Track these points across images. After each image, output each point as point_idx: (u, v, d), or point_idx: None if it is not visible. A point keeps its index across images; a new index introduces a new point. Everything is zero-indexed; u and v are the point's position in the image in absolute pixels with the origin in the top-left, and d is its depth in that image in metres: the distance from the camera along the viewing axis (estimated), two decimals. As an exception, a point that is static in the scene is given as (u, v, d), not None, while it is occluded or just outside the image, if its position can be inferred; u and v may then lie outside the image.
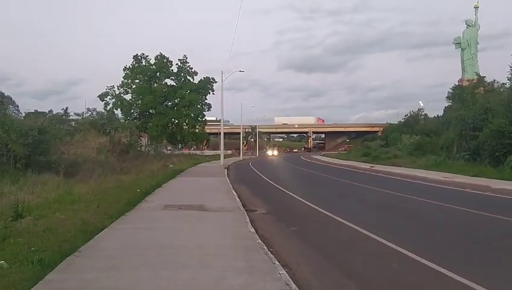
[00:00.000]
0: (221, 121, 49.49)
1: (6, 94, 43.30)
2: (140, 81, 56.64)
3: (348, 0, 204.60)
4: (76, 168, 21.39)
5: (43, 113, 44.90)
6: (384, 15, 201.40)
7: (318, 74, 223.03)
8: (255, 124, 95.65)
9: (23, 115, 35.43)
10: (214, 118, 70.40)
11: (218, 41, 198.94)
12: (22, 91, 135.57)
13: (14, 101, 43.77)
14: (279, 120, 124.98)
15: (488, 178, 21.58)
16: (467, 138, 30.14)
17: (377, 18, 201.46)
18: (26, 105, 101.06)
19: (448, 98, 53.91)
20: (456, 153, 31.09)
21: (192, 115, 56.95)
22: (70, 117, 46.92)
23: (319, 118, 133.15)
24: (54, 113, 50.17)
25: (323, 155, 76.57)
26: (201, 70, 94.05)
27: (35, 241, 7.31)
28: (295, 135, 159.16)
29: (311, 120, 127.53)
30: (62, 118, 44.29)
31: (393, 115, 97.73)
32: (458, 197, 16.49)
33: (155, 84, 57.75)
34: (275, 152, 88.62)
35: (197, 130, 59.15)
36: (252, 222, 10.41)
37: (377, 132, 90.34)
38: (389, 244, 8.28)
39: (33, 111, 41.09)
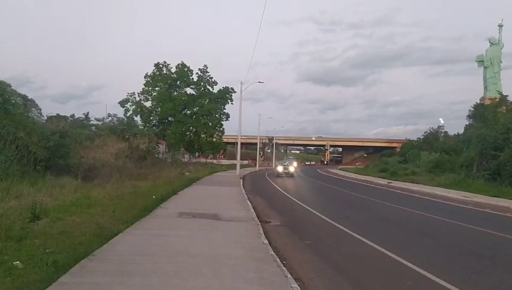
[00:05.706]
0: (239, 131, 49.54)
1: (29, 97, 44.11)
2: (160, 88, 57.36)
3: (370, 14, 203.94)
4: (94, 173, 21.74)
5: (64, 117, 45.76)
6: (406, 30, 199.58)
7: (336, 87, 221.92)
8: (272, 135, 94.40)
9: (45, 118, 36.16)
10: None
11: (237, 51, 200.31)
12: (44, 94, 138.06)
13: (37, 104, 44.56)
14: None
15: (508, 199, 21.13)
16: (487, 157, 29.58)
17: (398, 32, 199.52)
18: (47, 108, 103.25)
19: (469, 116, 53.29)
20: (476, 172, 30.53)
21: (210, 124, 57.35)
22: (91, 122, 47.80)
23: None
24: (75, 117, 51.23)
25: (340, 169, 75.98)
26: (219, 79, 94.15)
27: (50, 243, 7.40)
28: (312, 148, 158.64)
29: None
30: (83, 123, 45.13)
31: (412, 131, 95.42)
32: (478, 217, 16.13)
33: (175, 93, 58.41)
34: (291, 168, 48.13)
35: (214, 139, 59.46)
36: (265, 233, 10.35)
37: (395, 147, 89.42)
38: (405, 262, 8.11)
39: (55, 115, 41.92)
